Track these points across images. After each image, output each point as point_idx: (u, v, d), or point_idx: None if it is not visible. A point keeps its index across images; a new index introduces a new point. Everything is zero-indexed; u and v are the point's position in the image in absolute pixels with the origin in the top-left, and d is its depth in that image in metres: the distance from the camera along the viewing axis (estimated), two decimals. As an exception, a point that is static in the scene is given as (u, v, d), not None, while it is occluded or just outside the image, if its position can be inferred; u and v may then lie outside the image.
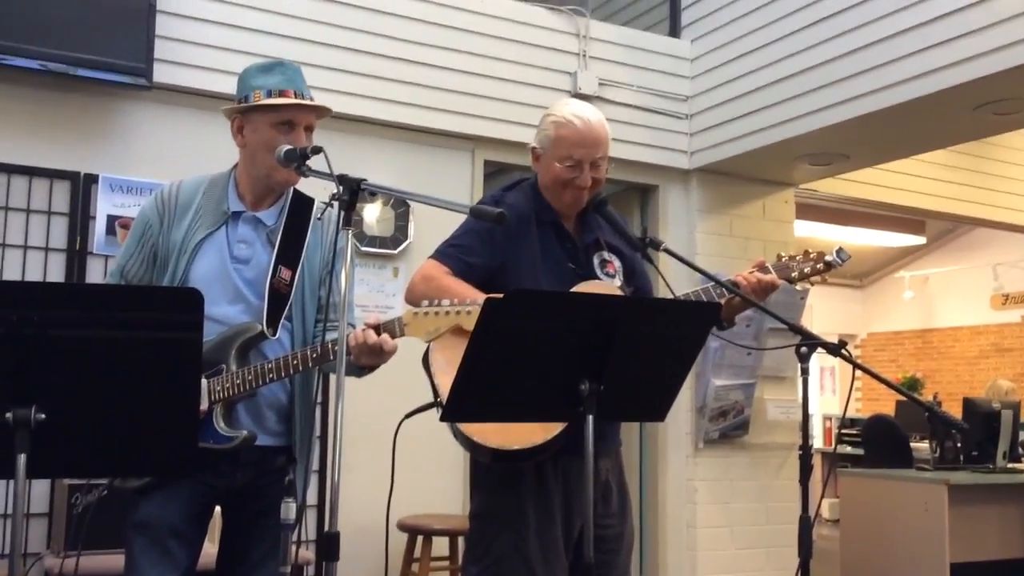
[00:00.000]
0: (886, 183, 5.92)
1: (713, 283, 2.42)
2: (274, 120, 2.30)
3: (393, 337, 2.19)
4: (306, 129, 2.34)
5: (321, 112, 2.38)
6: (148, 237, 2.36)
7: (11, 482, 1.64)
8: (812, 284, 2.51)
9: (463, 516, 4.11)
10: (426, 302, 2.16)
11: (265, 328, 2.28)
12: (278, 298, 2.32)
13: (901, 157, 5.45)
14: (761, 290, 2.44)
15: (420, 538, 3.93)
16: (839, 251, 2.47)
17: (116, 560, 2.31)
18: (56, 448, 1.69)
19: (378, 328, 2.19)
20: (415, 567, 3.95)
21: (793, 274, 2.48)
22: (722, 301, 2.42)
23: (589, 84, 4.86)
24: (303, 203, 2.43)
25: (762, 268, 2.49)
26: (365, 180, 2.02)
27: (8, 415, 1.63)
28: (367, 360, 2.22)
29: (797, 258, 2.49)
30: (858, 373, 2.31)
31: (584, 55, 4.91)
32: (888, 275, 11.98)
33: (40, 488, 3.50)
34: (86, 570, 2.76)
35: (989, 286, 10.85)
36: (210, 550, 2.39)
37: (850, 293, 12.09)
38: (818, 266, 2.48)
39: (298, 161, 2.20)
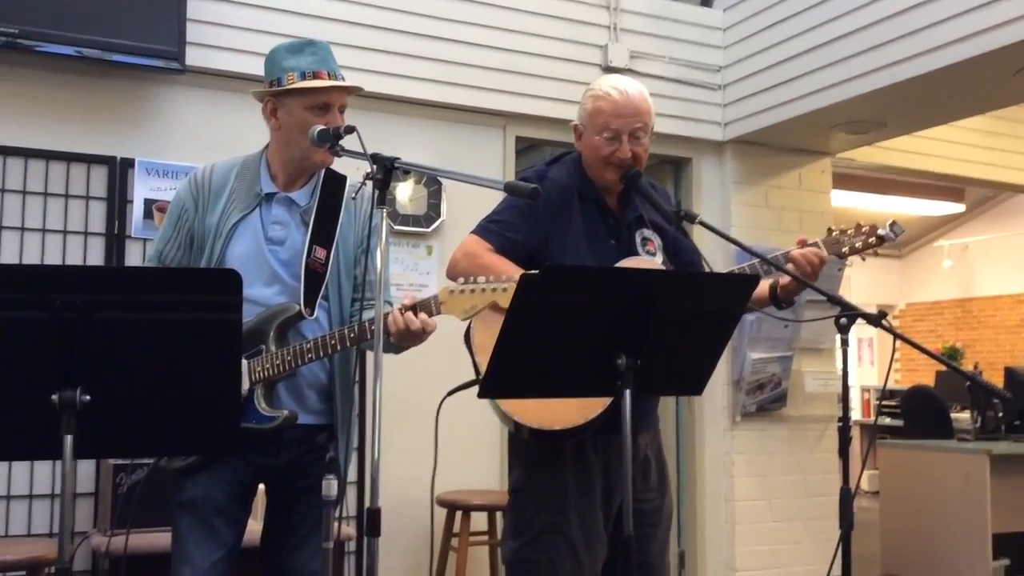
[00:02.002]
0: (924, 151, 5.82)
1: (760, 260, 2.39)
2: (309, 103, 2.30)
3: (430, 316, 2.20)
4: (340, 109, 2.34)
5: (353, 91, 2.38)
6: (184, 221, 2.38)
7: (59, 463, 1.67)
8: (863, 259, 2.46)
9: (501, 491, 4.14)
10: (461, 279, 2.16)
11: (303, 308, 2.29)
12: (314, 277, 2.33)
13: (939, 124, 5.35)
14: (812, 268, 2.39)
15: (459, 513, 3.96)
16: (893, 224, 2.40)
17: (162, 538, 2.35)
18: (101, 429, 1.72)
19: (415, 308, 2.19)
20: (454, 542, 3.98)
21: (844, 249, 2.42)
22: (769, 278, 2.39)
23: (620, 57, 4.82)
24: (336, 181, 2.43)
25: (804, 244, 2.44)
26: (398, 159, 2.02)
27: (54, 397, 1.66)
28: (408, 343, 2.23)
29: (848, 232, 2.43)
30: (898, 344, 2.28)
31: (615, 27, 4.86)
32: (927, 244, 11.81)
33: (86, 468, 3.57)
34: (132, 548, 2.81)
35: (1030, 253, 10.67)
36: (254, 527, 2.43)
37: (888, 263, 11.94)
38: (870, 240, 2.41)
39: (331, 141, 2.20)
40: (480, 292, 2.12)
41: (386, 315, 2.18)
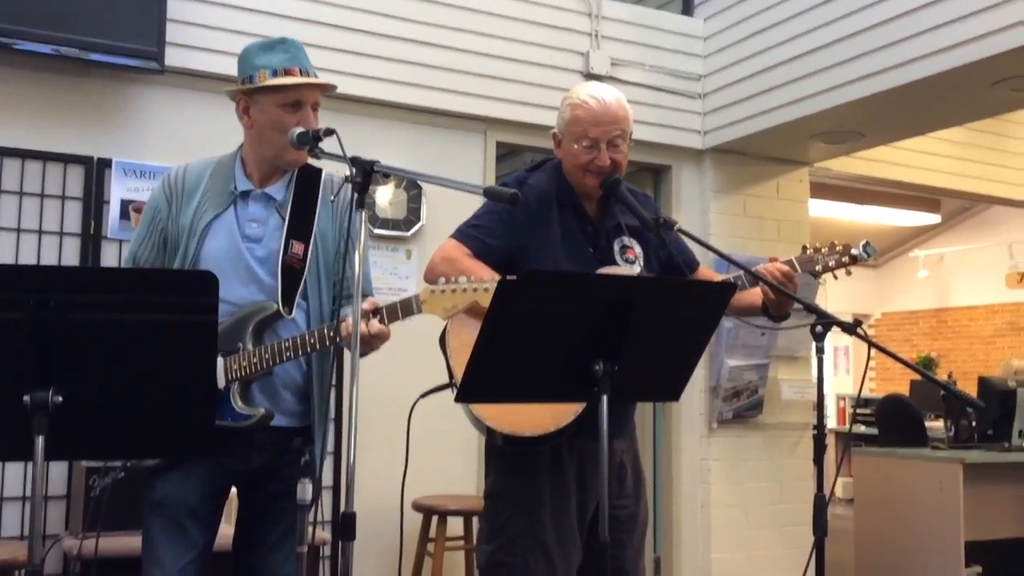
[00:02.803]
0: (901, 161, 5.87)
1: (745, 272, 2.40)
2: (281, 100, 2.29)
3: (409, 315, 2.18)
4: (312, 107, 2.32)
5: (326, 89, 2.37)
6: (157, 222, 2.36)
7: (30, 464, 1.65)
8: (836, 278, 2.48)
9: (477, 496, 4.13)
10: (443, 279, 2.15)
11: (281, 307, 2.28)
12: (292, 274, 2.31)
13: (916, 135, 5.41)
14: (780, 283, 2.41)
15: (435, 518, 3.95)
16: (866, 245, 2.43)
17: (134, 541, 2.33)
18: (74, 430, 1.70)
19: (377, 311, 2.18)
20: (430, 547, 3.97)
21: (817, 267, 2.44)
22: (747, 287, 2.41)
23: (601, 64, 4.84)
24: (310, 174, 2.42)
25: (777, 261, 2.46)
26: (377, 162, 2.02)
27: (26, 398, 1.64)
28: (359, 350, 2.21)
29: (823, 250, 2.45)
30: (873, 352, 2.30)
31: (596, 35, 4.88)
32: (902, 254, 11.91)
33: (58, 471, 3.53)
34: (104, 551, 2.79)
35: (1004, 264, 10.78)
36: (227, 531, 2.41)
37: (864, 272, 12.04)
38: (843, 259, 2.44)
39: (311, 144, 2.19)
40: (461, 292, 2.12)
41: (342, 320, 2.17)
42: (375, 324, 2.16)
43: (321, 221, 2.38)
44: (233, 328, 2.25)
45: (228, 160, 2.40)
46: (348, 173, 2.01)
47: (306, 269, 2.32)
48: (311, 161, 2.36)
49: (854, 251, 2.43)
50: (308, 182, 2.40)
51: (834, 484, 2.88)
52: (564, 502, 2.37)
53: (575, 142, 2.43)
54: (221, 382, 2.23)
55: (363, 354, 2.24)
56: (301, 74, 2.30)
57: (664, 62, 5.05)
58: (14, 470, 3.50)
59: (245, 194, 2.36)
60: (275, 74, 2.29)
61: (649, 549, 4.76)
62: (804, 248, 2.48)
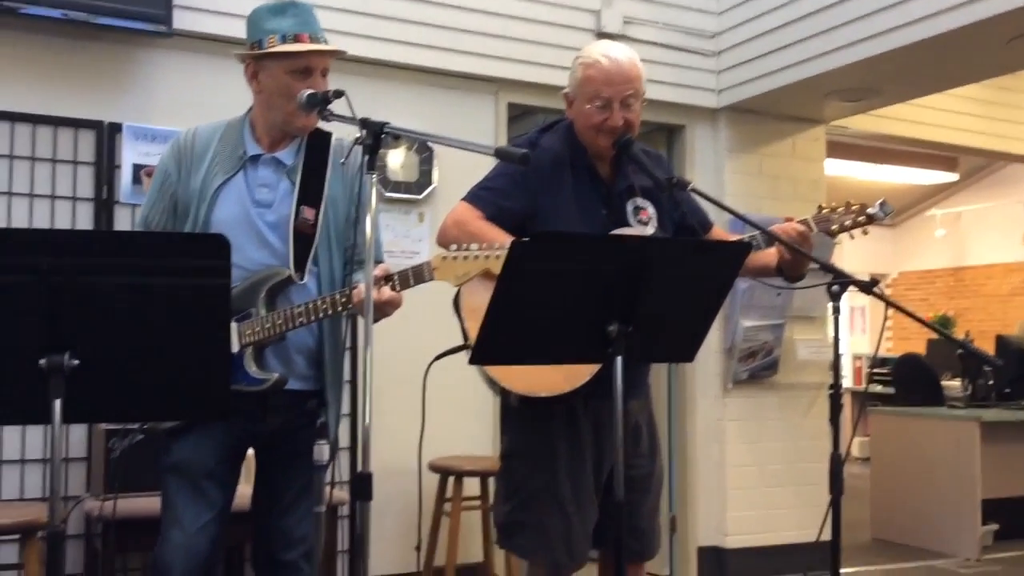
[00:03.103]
0: (918, 119, 5.80)
1: (760, 231, 2.38)
2: (290, 67, 2.27)
3: (421, 282, 2.18)
4: (322, 73, 2.30)
5: (336, 54, 2.35)
6: (168, 186, 2.36)
7: (48, 427, 1.67)
8: (852, 237, 2.46)
9: (493, 457, 4.15)
10: (454, 246, 2.14)
11: (293, 273, 2.28)
12: (303, 240, 2.31)
13: (933, 92, 5.33)
14: (795, 242, 2.39)
15: (451, 479, 3.98)
16: (882, 204, 2.40)
17: (154, 502, 2.36)
18: (90, 393, 1.72)
19: (389, 277, 2.18)
20: (447, 507, 4.00)
21: (833, 227, 2.42)
22: (763, 247, 2.39)
23: (613, 22, 4.77)
24: (320, 138, 2.40)
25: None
26: (388, 124, 2.00)
27: (42, 361, 1.65)
28: (375, 316, 2.20)
29: (839, 210, 2.43)
30: (890, 312, 2.29)
31: (609, -8, 4.81)
32: (920, 213, 11.80)
33: (78, 433, 3.57)
34: (125, 512, 2.82)
35: (1022, 222, 10.68)
36: (245, 491, 2.44)
37: (881, 232, 11.93)
38: (859, 219, 2.41)
39: (320, 106, 2.18)
40: (473, 259, 2.10)
41: (353, 287, 2.16)
42: (387, 291, 2.16)
43: (332, 186, 2.36)
44: (246, 293, 2.26)
45: (237, 124, 2.39)
46: (358, 135, 1.99)
47: (317, 234, 2.32)
48: (321, 125, 2.35)
49: (870, 210, 2.41)
50: (318, 147, 2.38)
51: (850, 443, 2.89)
52: (580, 462, 2.38)
53: (587, 102, 2.40)
54: (235, 346, 2.23)
55: (375, 320, 2.24)
56: (311, 40, 2.28)
57: (678, 20, 4.99)
58: (35, 433, 3.54)
59: (255, 158, 2.35)
60: (284, 40, 2.26)
61: (664, 508, 4.78)
62: (820, 208, 2.46)
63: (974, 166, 10.43)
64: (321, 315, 2.22)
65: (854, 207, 2.43)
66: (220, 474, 2.30)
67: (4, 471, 3.51)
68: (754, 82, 4.88)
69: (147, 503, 2.75)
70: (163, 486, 2.30)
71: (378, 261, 2.40)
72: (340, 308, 2.20)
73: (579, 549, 2.39)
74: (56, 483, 1.71)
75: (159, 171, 2.39)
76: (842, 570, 2.32)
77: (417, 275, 2.17)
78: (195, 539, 2.23)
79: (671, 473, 4.96)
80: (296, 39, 2.26)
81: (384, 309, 2.18)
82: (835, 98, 4.96)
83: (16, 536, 2.99)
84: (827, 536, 2.29)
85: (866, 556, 5.55)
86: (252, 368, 2.24)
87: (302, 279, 2.30)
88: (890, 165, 8.79)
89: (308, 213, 2.32)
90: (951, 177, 10.07)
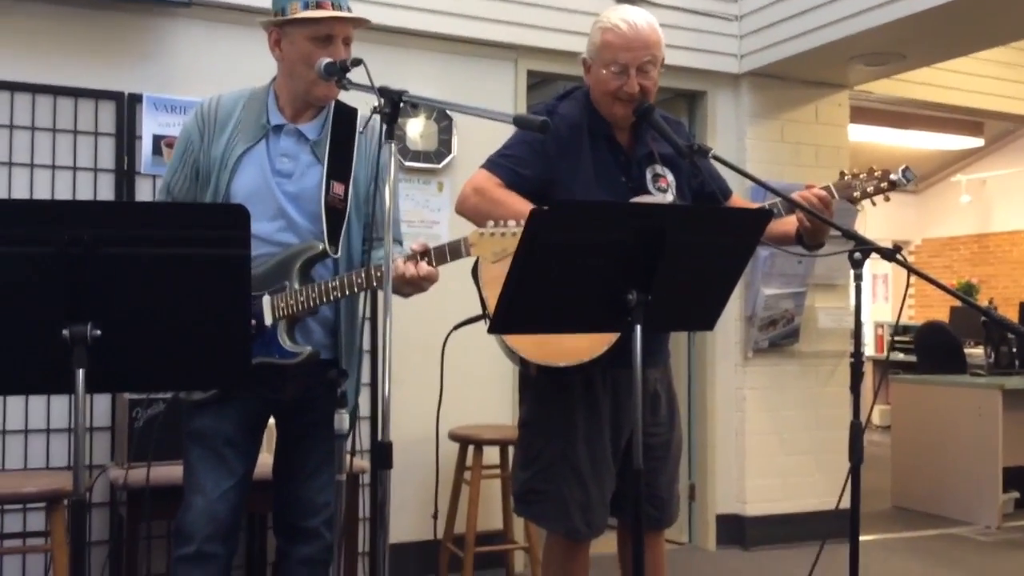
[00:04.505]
0: (944, 83, 5.71)
1: (781, 198, 2.36)
2: (312, 34, 2.26)
3: (457, 258, 2.17)
4: (344, 42, 2.29)
5: (359, 23, 2.34)
6: (190, 153, 2.36)
7: (72, 397, 1.68)
8: (874, 204, 2.43)
9: (512, 426, 4.17)
10: (491, 223, 2.12)
11: (327, 246, 2.29)
12: (335, 215, 2.32)
13: (959, 55, 5.24)
14: (814, 209, 2.36)
15: (471, 447, 4.00)
16: (905, 170, 2.36)
17: (178, 470, 2.39)
18: (112, 363, 1.73)
19: (426, 252, 2.18)
20: (467, 475, 4.03)
21: (856, 193, 2.38)
22: (783, 214, 2.37)
23: (634, -13, 4.71)
24: (346, 114, 2.40)
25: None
26: (406, 92, 1.99)
27: (65, 332, 1.67)
28: (408, 291, 2.22)
29: (861, 176, 2.39)
30: (912, 279, 2.26)
31: (628, -43, 4.74)
32: (944, 179, 11.67)
33: (102, 403, 3.61)
34: (149, 480, 2.85)
35: (1049, 188, 10.55)
36: (267, 460, 2.46)
37: (905, 198, 11.81)
38: (882, 185, 2.37)
39: (338, 74, 2.17)
40: (511, 236, 2.09)
41: (393, 259, 2.16)
42: (424, 266, 2.16)
43: (356, 161, 2.37)
44: (279, 266, 2.27)
45: (261, 93, 2.39)
46: (376, 104, 1.98)
47: (348, 208, 2.32)
48: (344, 99, 2.34)
49: (893, 177, 2.37)
50: (345, 122, 2.39)
51: (871, 411, 2.87)
52: (598, 430, 2.39)
53: (604, 67, 2.38)
54: (268, 319, 2.25)
55: (409, 295, 2.24)
56: (333, 7, 2.27)
57: (699, -16, 4.91)
58: (60, 403, 3.58)
59: (278, 128, 2.35)
60: (307, 7, 2.26)
61: (684, 476, 4.79)
62: (842, 174, 2.43)
63: (1000, 131, 10.28)
64: (356, 289, 2.22)
65: (876, 173, 2.39)
66: (241, 442, 2.32)
67: (30, 440, 3.56)
68: (777, 47, 4.82)
69: (171, 471, 2.78)
70: (184, 453, 2.33)
71: (397, 240, 2.41)
72: (374, 282, 2.20)
73: (596, 518, 2.40)
74: (79, 452, 1.73)
75: (181, 138, 2.39)
76: (861, 538, 2.31)
77: (454, 251, 2.17)
78: (217, 505, 2.26)
79: (690, 441, 4.96)
80: (318, 6, 2.26)
81: (421, 284, 2.18)
82: (859, 62, 4.89)
83: (42, 504, 3.03)
84: (846, 504, 2.29)
85: (886, 524, 5.55)
86: (286, 341, 2.26)
87: (336, 253, 2.31)
88: (915, 130, 8.67)
89: (338, 188, 2.33)
90: (977, 142, 9.92)
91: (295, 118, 2.36)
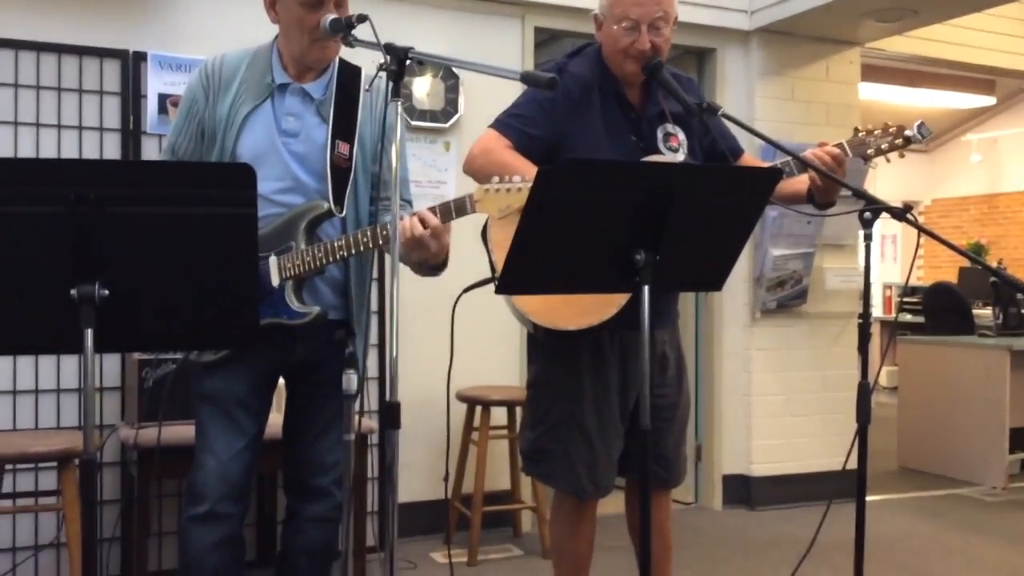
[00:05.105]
0: (956, 40, 5.64)
1: (793, 157, 2.33)
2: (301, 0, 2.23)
3: (463, 214, 2.14)
4: (336, 3, 2.24)
5: None
6: (195, 112, 2.34)
7: (81, 356, 1.69)
8: (888, 160, 2.40)
9: (520, 387, 4.18)
10: (496, 178, 2.11)
11: (332, 206, 2.27)
12: (340, 174, 2.30)
13: (972, 11, 5.16)
14: (827, 168, 2.33)
15: (479, 408, 4.02)
16: (920, 126, 2.33)
17: (188, 430, 2.40)
18: (121, 323, 1.73)
19: (432, 210, 2.15)
20: (475, 435, 4.05)
21: (870, 151, 2.35)
22: (796, 173, 2.35)
23: (643, -58, 4.63)
24: (351, 73, 2.38)
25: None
26: (412, 49, 1.97)
27: (73, 291, 1.67)
28: (416, 256, 2.17)
29: (875, 133, 2.35)
30: (922, 240, 2.24)
31: (638, -89, 4.66)
32: (955, 138, 11.56)
33: (112, 364, 3.62)
34: (160, 440, 2.87)
35: (1061, 149, 10.45)
36: (276, 419, 2.47)
37: (915, 157, 11.72)
38: (897, 141, 2.34)
39: (343, 31, 2.15)
40: (516, 191, 2.07)
41: (401, 218, 2.14)
42: (430, 216, 2.13)
43: (361, 123, 2.35)
44: (285, 226, 2.26)
45: (265, 51, 2.37)
46: (382, 61, 1.96)
47: (352, 168, 2.31)
48: (345, 54, 2.31)
49: (908, 132, 2.34)
50: (349, 81, 2.36)
51: (879, 372, 2.87)
52: (606, 390, 2.39)
53: (615, 23, 2.35)
54: (275, 280, 2.25)
55: (419, 263, 2.20)
56: None
57: (709, -61, 4.84)
58: (69, 363, 3.60)
59: (283, 87, 2.33)
60: None
61: (691, 437, 4.81)
62: (856, 131, 2.40)
63: (1013, 89, 10.17)
64: (362, 248, 2.21)
65: (892, 129, 2.36)
66: (252, 402, 2.33)
67: (41, 400, 3.58)
68: (787, 2, 4.75)
69: (180, 431, 2.80)
70: (196, 414, 2.34)
71: (406, 200, 2.40)
72: (380, 240, 2.19)
73: (603, 477, 2.41)
74: (89, 412, 1.73)
75: (186, 97, 2.37)
76: (868, 498, 2.32)
77: (459, 207, 2.14)
78: (228, 466, 2.27)
79: (698, 402, 4.97)
80: None
81: (428, 244, 2.12)
82: (871, 19, 4.82)
83: (54, 464, 3.06)
84: (853, 464, 2.30)
85: (892, 484, 5.58)
86: (293, 302, 2.25)
87: (341, 212, 2.29)
88: (926, 88, 8.58)
89: (343, 148, 2.31)
90: (988, 101, 9.82)
91: (299, 77, 2.34)
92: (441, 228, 2.14)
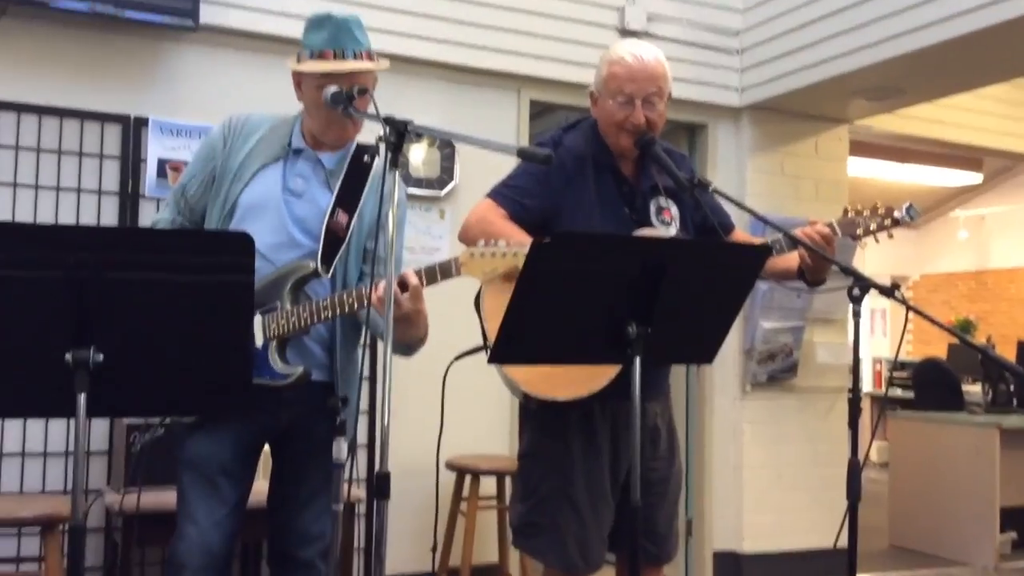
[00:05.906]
0: (943, 119, 5.75)
1: (784, 235, 2.36)
2: (318, 83, 2.28)
3: (448, 277, 2.16)
4: (358, 92, 2.25)
5: (357, 78, 2.28)
6: (211, 159, 2.39)
7: (73, 421, 1.68)
8: (877, 241, 2.44)
9: (510, 457, 4.16)
10: (482, 242, 2.14)
11: (320, 266, 2.29)
12: (334, 240, 2.33)
13: (959, 91, 5.27)
14: (819, 247, 2.36)
15: (468, 477, 3.98)
16: (909, 207, 2.37)
17: (174, 496, 2.37)
18: (114, 388, 1.73)
19: (417, 273, 2.16)
20: (463, 505, 4.01)
21: (859, 231, 2.39)
22: (785, 250, 2.38)
23: (637, 19, 4.76)
24: (366, 152, 2.43)
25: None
26: (411, 122, 2.01)
27: (68, 356, 1.67)
28: (402, 328, 2.15)
29: (864, 213, 2.40)
30: (910, 316, 2.27)
31: (632, -10, 4.80)
32: (943, 215, 11.69)
33: (100, 427, 3.59)
34: (145, 505, 2.84)
35: (1048, 225, 10.57)
36: (262, 487, 2.45)
37: (903, 233, 11.75)
38: (885, 222, 2.39)
39: (344, 103, 2.19)
40: (501, 256, 2.10)
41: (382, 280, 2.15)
42: (412, 278, 2.14)
43: (365, 198, 2.39)
44: (271, 286, 2.27)
45: (289, 120, 2.44)
46: (381, 133, 2.00)
47: (348, 238, 2.33)
48: (365, 140, 2.37)
49: (897, 214, 2.38)
50: (363, 161, 2.41)
51: (869, 448, 2.86)
52: (596, 464, 2.38)
53: (611, 98, 2.40)
54: (259, 340, 2.25)
55: (411, 346, 2.22)
56: (336, 56, 2.28)
57: (701, 17, 4.96)
58: (57, 426, 3.57)
59: (298, 152, 2.38)
60: (312, 56, 2.29)
61: (681, 511, 4.76)
62: (845, 211, 2.44)
63: (999, 167, 10.32)
64: (347, 309, 2.22)
65: (880, 210, 2.40)
66: (235, 470, 2.31)
67: (27, 464, 3.54)
68: (777, 80, 4.86)
69: (168, 496, 2.76)
70: (178, 480, 2.32)
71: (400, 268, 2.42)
72: (365, 302, 2.20)
73: (594, 552, 2.38)
74: (79, 478, 1.72)
75: (206, 145, 2.43)
76: (859, 576, 2.30)
77: (444, 270, 2.17)
78: (209, 535, 2.24)
79: (688, 475, 4.94)
80: (321, 56, 2.28)
81: (410, 314, 2.14)
82: (859, 97, 4.93)
83: (38, 529, 3.02)
84: (844, 542, 2.28)
85: (883, 563, 5.52)
86: (277, 362, 2.25)
87: (328, 273, 2.31)
88: (914, 165, 8.71)
89: (342, 217, 2.34)
90: (975, 178, 9.97)
91: (317, 148, 2.40)
92: (419, 290, 2.15)
